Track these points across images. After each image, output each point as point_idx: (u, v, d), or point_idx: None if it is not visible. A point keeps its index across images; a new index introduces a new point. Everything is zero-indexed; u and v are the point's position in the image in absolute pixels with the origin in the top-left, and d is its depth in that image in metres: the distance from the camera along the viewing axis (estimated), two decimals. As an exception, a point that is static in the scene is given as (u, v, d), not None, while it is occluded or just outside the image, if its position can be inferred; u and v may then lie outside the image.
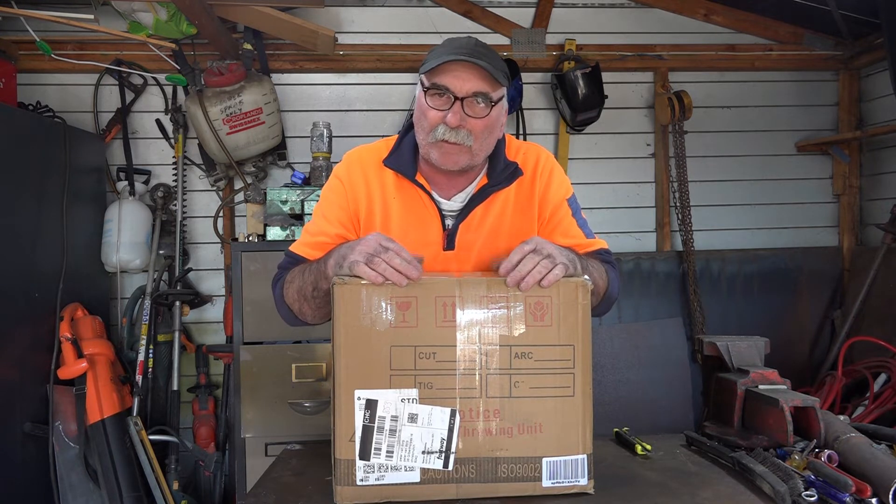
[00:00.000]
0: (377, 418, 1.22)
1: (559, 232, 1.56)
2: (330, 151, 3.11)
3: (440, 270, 1.53)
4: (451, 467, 1.25)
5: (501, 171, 1.55)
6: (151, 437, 2.92)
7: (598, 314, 1.55)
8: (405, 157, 1.55)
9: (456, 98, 1.43)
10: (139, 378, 3.04)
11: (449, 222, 1.55)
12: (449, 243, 1.54)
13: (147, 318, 3.12)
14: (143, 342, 3.08)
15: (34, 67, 3.27)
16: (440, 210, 1.55)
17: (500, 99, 1.49)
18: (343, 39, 3.41)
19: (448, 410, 1.24)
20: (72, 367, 2.75)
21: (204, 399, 3.23)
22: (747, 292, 3.57)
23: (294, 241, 1.65)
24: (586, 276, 1.31)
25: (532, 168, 1.59)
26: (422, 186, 1.54)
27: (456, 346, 1.24)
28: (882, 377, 2.99)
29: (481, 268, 1.54)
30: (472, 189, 1.56)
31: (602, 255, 1.58)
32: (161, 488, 2.85)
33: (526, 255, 1.27)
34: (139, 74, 3.35)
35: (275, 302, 1.58)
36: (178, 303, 3.21)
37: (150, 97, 3.41)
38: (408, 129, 1.58)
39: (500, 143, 1.58)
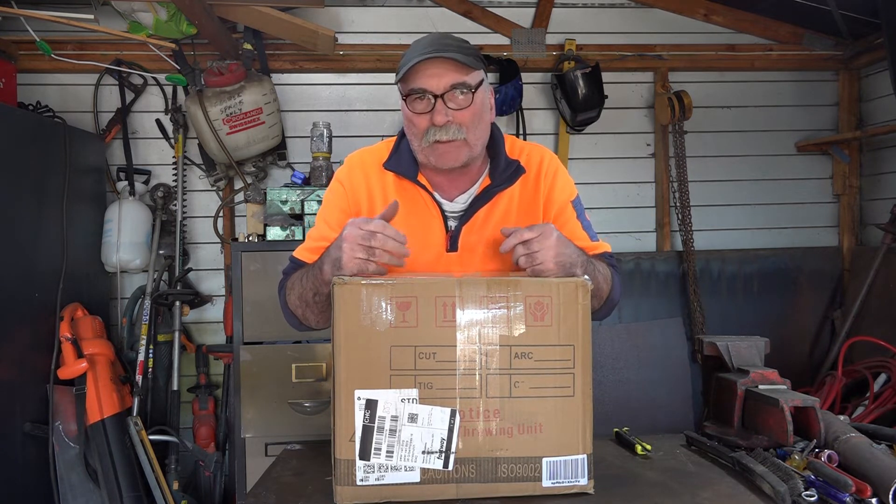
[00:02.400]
0: (377, 418, 1.22)
1: (564, 234, 1.55)
2: (330, 151, 3.11)
3: (442, 272, 1.52)
4: (451, 467, 1.24)
5: (504, 170, 1.54)
6: (151, 437, 2.92)
7: (599, 318, 1.54)
8: (405, 159, 1.54)
9: (436, 96, 1.42)
10: (139, 378, 3.04)
11: (452, 224, 1.54)
12: (452, 245, 1.52)
13: (147, 318, 3.11)
14: (143, 342, 3.08)
15: (34, 67, 3.27)
16: (443, 211, 1.53)
17: (480, 83, 1.47)
18: (343, 39, 3.41)
19: (448, 410, 1.24)
20: (72, 367, 2.75)
21: (204, 399, 3.23)
22: (747, 292, 3.56)
23: (296, 241, 1.64)
24: (586, 276, 1.31)
25: (536, 167, 1.58)
26: (423, 187, 1.53)
27: (456, 346, 1.24)
28: (882, 377, 2.99)
29: (485, 269, 1.53)
30: (475, 190, 1.55)
31: (606, 259, 1.58)
32: (161, 488, 2.85)
33: (523, 240, 1.33)
34: (139, 74, 3.35)
35: (281, 308, 1.57)
36: (178, 303, 3.21)
37: (150, 97, 3.41)
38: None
39: (501, 142, 1.57)
